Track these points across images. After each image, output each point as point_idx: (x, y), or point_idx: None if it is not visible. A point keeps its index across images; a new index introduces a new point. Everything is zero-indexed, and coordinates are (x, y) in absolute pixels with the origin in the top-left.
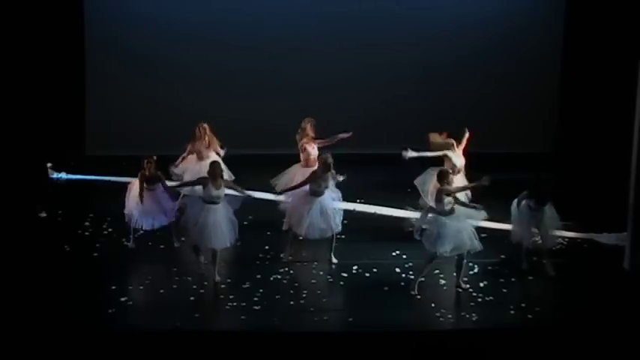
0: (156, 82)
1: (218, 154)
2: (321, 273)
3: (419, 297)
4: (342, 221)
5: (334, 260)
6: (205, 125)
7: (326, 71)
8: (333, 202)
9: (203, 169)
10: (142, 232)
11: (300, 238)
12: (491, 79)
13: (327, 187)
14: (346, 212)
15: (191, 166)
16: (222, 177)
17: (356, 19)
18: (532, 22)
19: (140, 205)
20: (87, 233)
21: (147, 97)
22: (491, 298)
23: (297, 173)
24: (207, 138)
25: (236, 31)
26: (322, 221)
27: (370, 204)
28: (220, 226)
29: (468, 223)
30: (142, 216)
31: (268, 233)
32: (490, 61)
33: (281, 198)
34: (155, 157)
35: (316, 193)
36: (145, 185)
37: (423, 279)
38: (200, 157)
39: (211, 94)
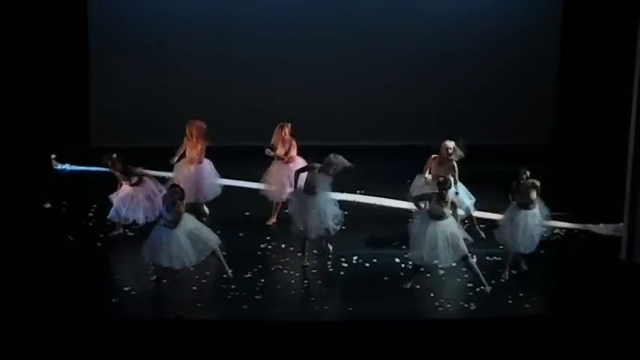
0: (161, 74)
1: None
2: (322, 263)
3: (418, 287)
4: (343, 212)
5: (330, 249)
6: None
7: (327, 63)
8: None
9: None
10: (138, 224)
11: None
12: (490, 71)
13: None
14: (346, 203)
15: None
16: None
17: (355, 10)
18: (531, 13)
19: (127, 200)
20: (90, 224)
21: (151, 88)
22: (489, 287)
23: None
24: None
25: (240, 22)
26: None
27: (370, 195)
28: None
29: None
30: (130, 210)
31: (269, 224)
32: (488, 52)
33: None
34: (115, 155)
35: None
36: (126, 181)
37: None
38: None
39: (216, 85)
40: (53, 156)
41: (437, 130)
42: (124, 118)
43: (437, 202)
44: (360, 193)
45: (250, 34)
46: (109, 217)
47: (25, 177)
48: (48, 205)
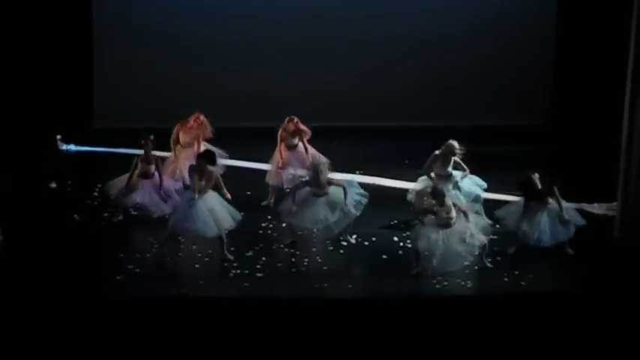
0: (165, 54)
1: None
2: (322, 241)
3: (416, 264)
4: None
5: (349, 239)
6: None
7: (326, 44)
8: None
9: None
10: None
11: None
12: (485, 51)
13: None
14: None
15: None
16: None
17: None
18: None
19: (138, 195)
20: (95, 203)
21: (156, 69)
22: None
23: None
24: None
25: (241, 3)
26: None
27: (369, 175)
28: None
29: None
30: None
31: (265, 205)
32: (484, 33)
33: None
34: (152, 136)
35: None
36: (140, 170)
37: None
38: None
39: (218, 66)
40: (58, 137)
41: (434, 111)
42: (127, 100)
43: (440, 211)
44: (359, 174)
45: (250, 15)
46: (157, 215)
47: (31, 157)
48: (53, 185)
